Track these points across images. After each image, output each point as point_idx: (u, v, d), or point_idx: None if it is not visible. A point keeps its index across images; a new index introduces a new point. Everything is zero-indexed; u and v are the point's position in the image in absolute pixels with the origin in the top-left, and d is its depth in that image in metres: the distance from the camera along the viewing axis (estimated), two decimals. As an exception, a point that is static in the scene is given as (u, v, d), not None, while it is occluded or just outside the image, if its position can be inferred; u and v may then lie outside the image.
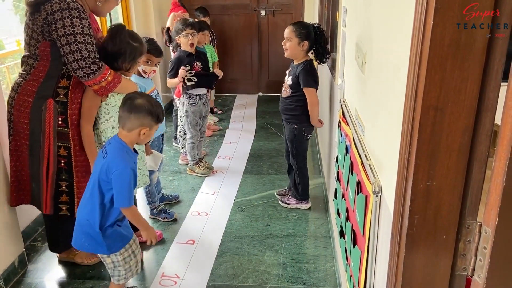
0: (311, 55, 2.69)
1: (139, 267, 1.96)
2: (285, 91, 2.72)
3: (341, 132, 1.89)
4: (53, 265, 2.37)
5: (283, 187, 3.12)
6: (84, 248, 1.85)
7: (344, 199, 1.71)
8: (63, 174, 2.06)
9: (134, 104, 1.72)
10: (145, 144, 2.35)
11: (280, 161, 3.68)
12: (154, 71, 2.57)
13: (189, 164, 3.49)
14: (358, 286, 1.39)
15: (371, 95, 1.39)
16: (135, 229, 2.04)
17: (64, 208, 2.12)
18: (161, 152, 2.72)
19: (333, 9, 3.02)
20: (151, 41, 2.53)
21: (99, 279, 2.24)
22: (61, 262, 2.38)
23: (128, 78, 2.16)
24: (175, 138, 3.98)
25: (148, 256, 2.44)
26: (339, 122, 1.95)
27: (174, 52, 3.57)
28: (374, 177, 1.21)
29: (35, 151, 2.03)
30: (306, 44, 2.56)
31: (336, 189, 2.03)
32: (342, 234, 1.78)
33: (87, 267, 2.34)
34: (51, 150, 2.01)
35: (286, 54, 2.64)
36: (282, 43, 2.62)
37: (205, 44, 4.06)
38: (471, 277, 0.87)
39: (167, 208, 2.89)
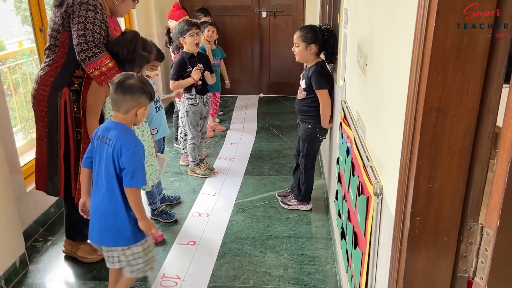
0: (322, 55, 2.70)
1: (154, 264, 1.95)
2: (300, 94, 2.74)
3: (342, 134, 1.89)
4: (54, 265, 2.38)
5: (284, 188, 3.12)
6: (105, 242, 1.85)
7: (345, 201, 1.71)
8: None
9: (127, 85, 1.73)
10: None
11: (281, 162, 3.68)
12: (157, 74, 2.60)
13: (190, 165, 3.49)
14: (359, 287, 1.39)
15: (372, 96, 1.39)
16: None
17: None
18: (162, 153, 2.72)
19: (335, 10, 3.02)
20: (154, 46, 2.53)
21: (100, 279, 2.24)
22: (63, 261, 2.39)
23: None
24: (176, 139, 3.98)
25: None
26: (340, 123, 1.95)
27: (174, 54, 3.58)
28: (376, 178, 1.21)
29: (53, 139, 2.15)
30: (313, 47, 2.58)
31: (337, 190, 2.03)
32: (343, 235, 1.78)
33: (88, 267, 2.34)
34: (71, 135, 2.13)
35: (296, 59, 2.70)
36: (292, 49, 2.67)
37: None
38: (473, 279, 0.87)
39: (168, 209, 2.89)
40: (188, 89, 3.25)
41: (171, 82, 3.22)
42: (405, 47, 0.97)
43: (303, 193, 2.86)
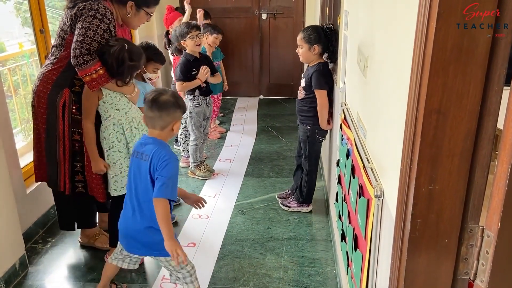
0: (325, 57, 2.71)
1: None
2: (300, 93, 2.75)
3: (342, 136, 1.89)
4: (54, 267, 2.37)
5: (284, 190, 3.12)
6: (149, 254, 1.87)
7: (346, 203, 1.71)
8: (77, 156, 2.23)
9: (161, 101, 1.74)
10: None
11: (281, 164, 3.68)
12: (158, 76, 2.61)
13: (190, 167, 3.49)
14: (360, 289, 1.39)
15: (373, 98, 1.39)
16: (113, 244, 2.14)
17: (80, 186, 2.28)
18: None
19: (335, 12, 3.02)
20: (154, 49, 2.52)
21: (100, 281, 2.23)
22: (62, 262, 2.39)
23: None
24: (176, 140, 3.98)
25: (148, 259, 2.44)
26: (341, 125, 1.96)
27: (174, 56, 3.58)
28: (376, 180, 1.21)
29: (51, 134, 2.20)
30: (317, 48, 2.59)
31: (337, 192, 2.03)
32: (343, 237, 1.78)
33: (87, 269, 2.34)
34: (66, 134, 2.18)
35: (300, 60, 2.71)
36: (296, 50, 2.68)
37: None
38: (473, 281, 0.87)
39: (168, 210, 2.89)
40: (191, 91, 3.26)
41: (178, 83, 3.21)
42: (405, 49, 0.97)
43: (305, 195, 2.86)
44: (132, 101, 2.20)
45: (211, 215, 2.89)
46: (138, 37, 4.41)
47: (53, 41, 2.22)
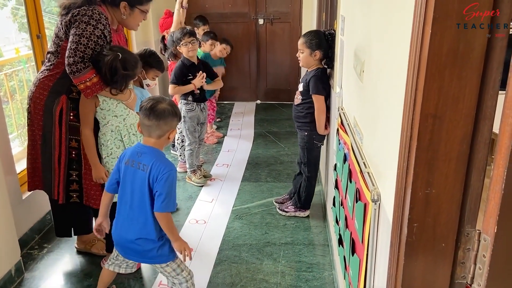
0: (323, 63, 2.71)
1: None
2: (297, 98, 2.75)
3: (339, 140, 1.89)
4: (50, 273, 2.36)
5: (281, 195, 3.12)
6: (145, 261, 1.88)
7: (343, 207, 1.71)
8: (73, 164, 2.20)
9: (159, 110, 1.73)
10: None
11: (278, 168, 3.68)
12: (155, 83, 2.62)
13: (187, 172, 3.48)
14: (357, 294, 1.39)
15: (369, 103, 1.39)
16: (109, 250, 2.12)
17: (74, 195, 2.25)
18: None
19: (331, 17, 3.04)
20: (156, 56, 2.52)
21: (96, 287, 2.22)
22: (58, 268, 2.37)
23: None
24: (173, 146, 3.98)
25: (145, 264, 2.43)
26: (338, 130, 1.96)
27: (170, 61, 3.58)
28: (373, 185, 1.21)
29: (47, 141, 2.18)
30: (318, 53, 2.59)
31: (334, 197, 2.02)
32: (340, 242, 1.77)
33: (84, 275, 2.33)
34: (63, 141, 2.16)
35: (300, 64, 2.71)
36: (297, 55, 2.69)
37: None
38: (471, 285, 0.87)
39: (165, 216, 2.88)
40: (185, 95, 3.26)
41: (171, 86, 3.21)
42: (401, 53, 0.97)
43: (303, 201, 2.86)
44: (129, 107, 2.20)
45: (208, 220, 2.88)
46: (135, 43, 4.41)
47: (48, 47, 2.21)
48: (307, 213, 2.90)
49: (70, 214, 2.38)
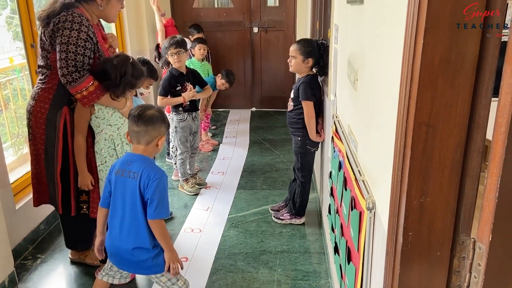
0: (314, 69, 2.73)
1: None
2: (289, 105, 2.78)
3: (334, 148, 1.90)
4: (43, 284, 2.33)
5: (277, 203, 3.11)
6: (139, 272, 1.87)
7: (338, 215, 1.70)
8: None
9: (147, 116, 1.73)
10: None
11: (274, 176, 3.67)
12: (149, 92, 2.62)
13: (179, 180, 3.47)
14: (353, 303, 1.38)
15: (363, 111, 1.40)
16: (103, 261, 2.08)
17: (84, 207, 2.24)
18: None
19: (325, 26, 3.06)
20: (150, 65, 2.53)
21: (91, 298, 2.20)
22: (52, 279, 2.35)
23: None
24: (168, 154, 3.96)
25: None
26: (332, 137, 1.96)
27: (163, 69, 3.58)
28: (368, 193, 1.21)
29: (50, 155, 2.16)
30: (310, 61, 2.62)
31: (330, 204, 2.02)
32: (336, 250, 1.77)
33: (77, 285, 2.30)
34: (70, 154, 2.15)
35: (290, 69, 2.72)
36: (288, 60, 2.70)
37: (203, 58, 4.14)
38: (466, 294, 0.87)
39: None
40: (176, 106, 3.25)
41: (159, 98, 3.19)
42: (394, 62, 0.98)
43: (298, 207, 2.85)
44: (124, 115, 2.19)
45: (204, 229, 2.87)
46: (130, 52, 4.42)
47: (38, 61, 2.17)
48: (302, 220, 2.89)
49: (79, 228, 2.35)
